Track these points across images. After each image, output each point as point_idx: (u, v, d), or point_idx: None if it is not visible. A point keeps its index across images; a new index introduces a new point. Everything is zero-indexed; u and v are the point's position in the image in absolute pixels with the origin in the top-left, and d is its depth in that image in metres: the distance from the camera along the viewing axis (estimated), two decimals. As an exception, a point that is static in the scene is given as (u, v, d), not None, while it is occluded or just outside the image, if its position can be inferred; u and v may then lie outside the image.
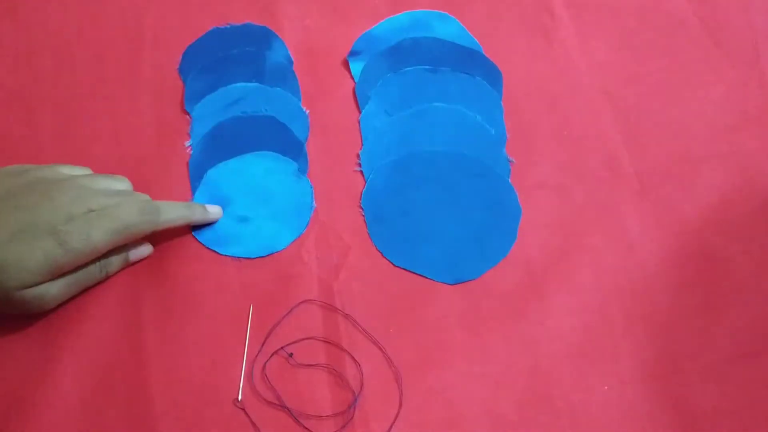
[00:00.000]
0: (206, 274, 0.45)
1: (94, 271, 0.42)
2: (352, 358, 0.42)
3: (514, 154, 0.50)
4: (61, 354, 0.42)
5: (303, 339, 0.43)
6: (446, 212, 0.47)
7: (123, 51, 0.53)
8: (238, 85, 0.51)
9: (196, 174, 0.48)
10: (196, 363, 0.42)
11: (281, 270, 0.45)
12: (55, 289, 0.39)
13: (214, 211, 0.45)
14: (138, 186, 0.47)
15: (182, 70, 0.53)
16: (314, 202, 0.48)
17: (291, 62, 0.53)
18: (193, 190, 0.48)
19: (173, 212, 0.43)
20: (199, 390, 0.41)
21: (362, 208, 0.48)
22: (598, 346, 0.43)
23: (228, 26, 0.54)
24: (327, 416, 0.41)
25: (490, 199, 0.48)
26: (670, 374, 0.43)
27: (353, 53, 0.53)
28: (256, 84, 0.51)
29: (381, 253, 0.46)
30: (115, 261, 0.43)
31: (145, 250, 0.44)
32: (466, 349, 0.43)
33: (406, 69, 0.52)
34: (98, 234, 0.39)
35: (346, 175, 0.49)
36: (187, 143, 0.50)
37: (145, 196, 0.44)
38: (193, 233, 0.46)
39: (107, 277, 0.43)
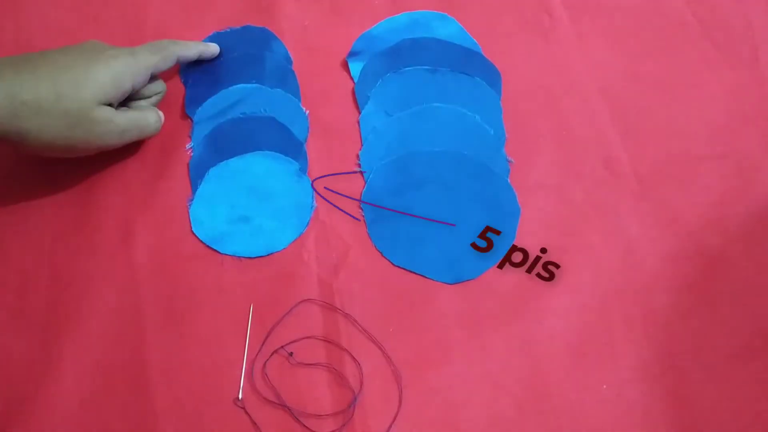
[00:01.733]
0: (206, 274, 0.45)
1: (150, 118, 0.48)
2: (352, 357, 0.43)
3: (513, 154, 0.50)
4: (61, 354, 0.42)
5: (303, 338, 0.43)
6: (446, 212, 0.48)
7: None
8: (238, 86, 0.51)
9: (197, 173, 0.48)
10: (197, 362, 0.42)
11: (281, 269, 0.45)
12: (121, 120, 0.45)
13: (214, 44, 0.53)
14: (139, 186, 0.48)
15: (182, 74, 0.53)
16: (314, 202, 0.48)
17: (290, 63, 0.53)
18: (194, 189, 0.48)
19: (187, 42, 0.51)
20: (199, 389, 0.41)
21: (362, 208, 0.48)
22: (596, 346, 0.43)
23: (228, 30, 0.54)
24: (327, 415, 0.41)
25: (490, 199, 0.48)
26: (668, 374, 0.43)
27: (353, 53, 0.53)
28: (255, 85, 0.51)
29: (381, 252, 0.46)
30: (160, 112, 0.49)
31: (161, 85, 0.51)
32: (465, 349, 0.43)
33: (405, 69, 0.52)
34: (141, 54, 0.47)
35: (346, 175, 0.49)
36: (188, 145, 0.50)
37: None
38: (193, 230, 0.46)
39: (155, 131, 0.48)
